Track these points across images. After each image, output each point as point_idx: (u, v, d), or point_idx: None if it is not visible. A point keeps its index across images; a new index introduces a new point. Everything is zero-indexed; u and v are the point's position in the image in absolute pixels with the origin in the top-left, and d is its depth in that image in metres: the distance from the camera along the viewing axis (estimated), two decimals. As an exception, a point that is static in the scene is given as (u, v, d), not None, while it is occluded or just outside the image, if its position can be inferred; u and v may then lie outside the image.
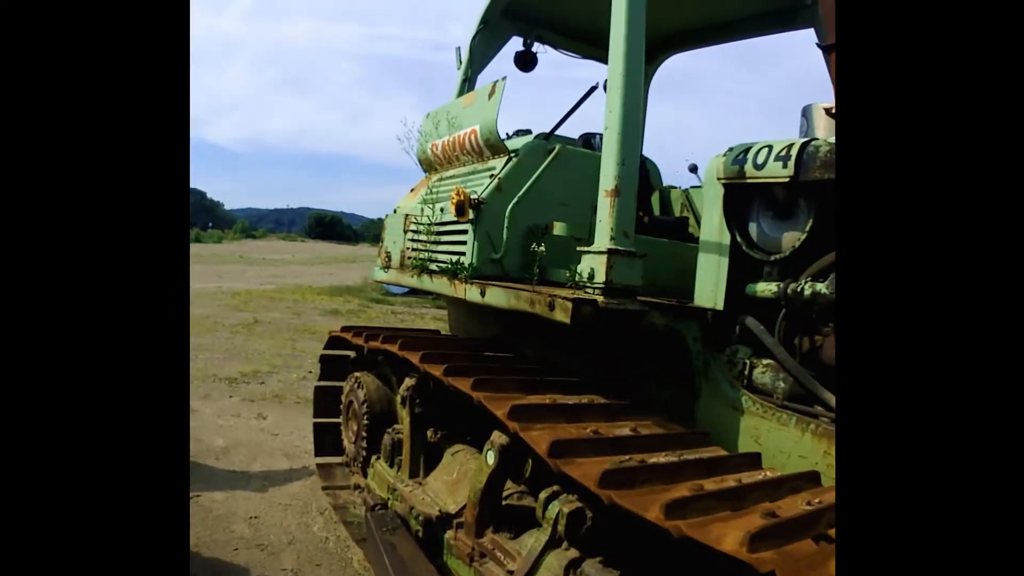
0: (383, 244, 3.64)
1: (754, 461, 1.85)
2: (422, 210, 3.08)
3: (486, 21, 3.55)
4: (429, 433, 2.79)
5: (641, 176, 2.46)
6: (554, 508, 1.83)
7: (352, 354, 3.68)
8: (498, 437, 2.02)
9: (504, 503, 2.18)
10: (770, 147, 2.13)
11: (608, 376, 2.42)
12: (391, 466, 2.97)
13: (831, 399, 1.93)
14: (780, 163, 2.06)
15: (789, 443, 1.99)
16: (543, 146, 2.72)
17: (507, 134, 3.32)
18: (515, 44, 3.76)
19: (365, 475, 3.30)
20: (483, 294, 2.42)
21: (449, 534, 2.30)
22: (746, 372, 2.16)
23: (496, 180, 2.61)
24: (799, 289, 2.02)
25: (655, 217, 3.45)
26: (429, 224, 3.00)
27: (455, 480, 2.51)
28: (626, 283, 1.99)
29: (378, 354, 3.19)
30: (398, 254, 3.41)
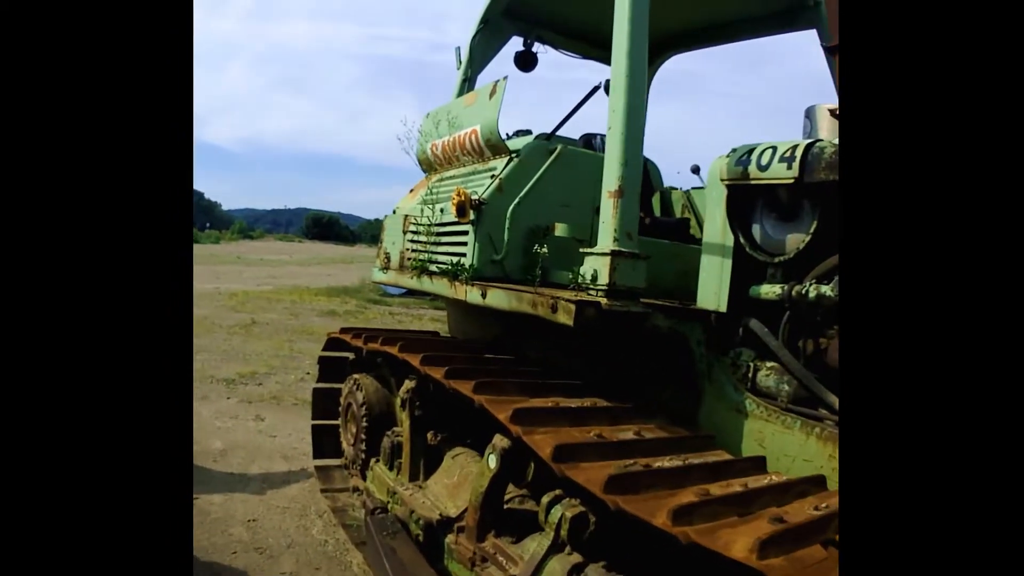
0: (382, 245, 3.62)
1: (759, 465, 1.83)
2: (422, 211, 3.05)
3: (486, 20, 3.53)
4: (429, 436, 2.77)
5: (642, 177, 2.44)
6: (557, 512, 1.81)
7: (351, 356, 3.65)
8: (500, 441, 1.99)
9: (505, 507, 2.16)
10: (774, 148, 2.11)
11: (610, 379, 2.39)
12: (391, 469, 2.94)
13: (836, 402, 1.92)
14: (784, 164, 2.05)
15: (794, 446, 1.97)
16: (544, 146, 2.71)
17: (507, 134, 3.30)
18: (515, 44, 3.74)
19: (364, 478, 3.28)
20: (484, 296, 2.40)
21: (450, 538, 2.28)
22: (750, 375, 2.14)
23: (497, 181, 2.59)
24: (804, 291, 2.00)
25: (656, 218, 3.44)
26: (429, 225, 2.98)
27: (456, 483, 2.48)
28: (630, 285, 1.97)
29: (377, 356, 3.17)
30: (397, 255, 3.38)
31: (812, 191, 2.03)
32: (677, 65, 4.04)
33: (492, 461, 2.01)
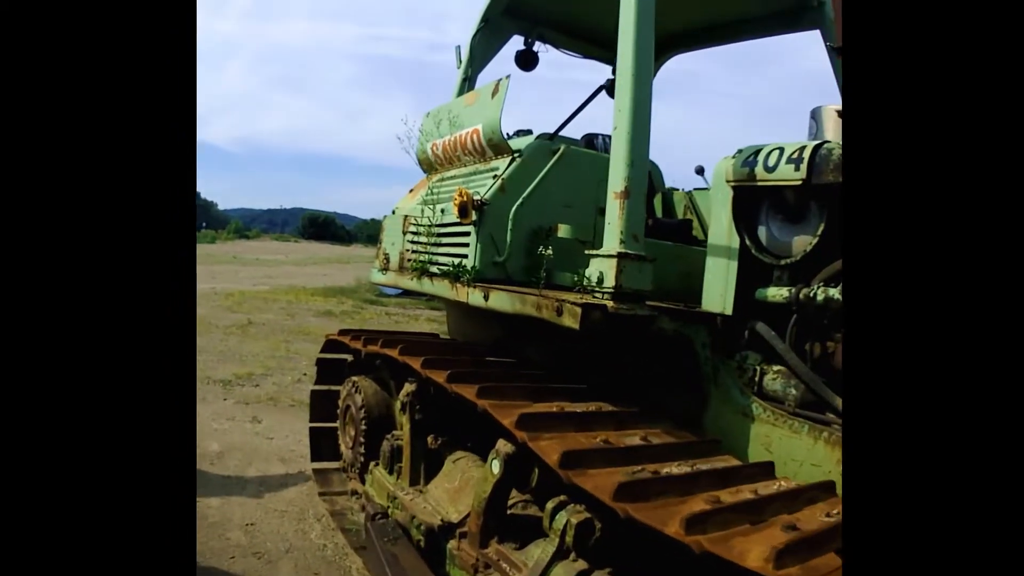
0: (381, 246, 3.58)
1: (767, 470, 1.81)
2: (422, 211, 3.02)
3: (487, 19, 3.50)
4: (429, 439, 2.74)
5: (647, 178, 2.41)
6: (562, 518, 1.78)
7: (349, 358, 3.62)
8: (503, 446, 1.96)
9: (508, 512, 2.13)
10: (781, 149, 2.09)
11: (614, 382, 2.36)
12: (390, 473, 2.91)
13: (844, 406, 1.89)
14: (792, 166, 2.02)
15: (801, 451, 1.95)
16: (547, 146, 2.67)
17: (507, 134, 3.27)
18: (515, 43, 3.72)
19: (363, 481, 3.25)
20: (486, 298, 2.37)
21: (452, 544, 2.25)
22: (756, 378, 2.11)
23: (500, 181, 2.56)
24: (811, 294, 1.98)
25: (658, 219, 3.41)
26: (430, 226, 2.94)
27: (457, 488, 2.45)
28: (636, 288, 1.94)
29: (376, 358, 3.13)
30: (397, 256, 3.35)
31: (820, 193, 2.00)
32: (673, 64, 4.02)
33: (495, 466, 1.98)
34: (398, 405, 2.88)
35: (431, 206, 2.97)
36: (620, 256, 1.92)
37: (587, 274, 2.01)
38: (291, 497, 3.69)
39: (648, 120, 2.01)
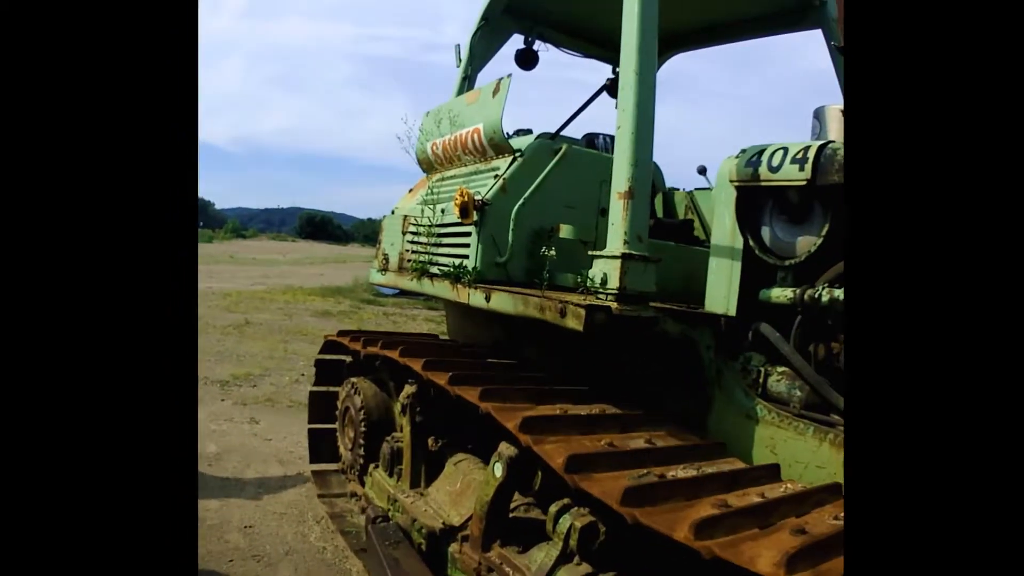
0: (380, 246, 3.56)
1: (773, 473, 1.79)
2: (422, 211, 3.00)
3: (487, 18, 3.48)
4: (430, 441, 2.72)
5: (650, 178, 2.39)
6: (565, 522, 1.76)
7: (348, 359, 3.59)
8: (506, 449, 1.94)
9: (511, 515, 2.11)
10: (785, 149, 2.07)
11: (617, 384, 2.35)
12: (390, 475, 2.89)
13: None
14: (796, 166, 2.01)
15: (806, 453, 1.93)
16: (549, 146, 2.65)
17: (507, 134, 3.24)
18: (515, 42, 3.69)
19: (362, 483, 3.22)
20: (488, 299, 2.35)
21: (454, 547, 2.23)
22: (760, 380, 2.10)
23: (501, 181, 2.53)
24: (816, 295, 1.96)
25: (659, 219, 3.39)
26: (430, 226, 2.92)
27: (458, 491, 2.43)
28: (640, 289, 1.92)
29: (375, 359, 3.11)
30: (396, 256, 3.33)
31: (824, 193, 1.99)
32: (668, 64, 4.00)
33: (498, 469, 1.96)
34: (398, 407, 2.85)
35: (431, 206, 2.95)
36: (624, 257, 1.90)
37: (591, 275, 1.99)
38: (290, 499, 3.66)
39: (652, 120, 1.99)
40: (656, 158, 3.69)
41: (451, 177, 3.03)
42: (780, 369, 2.07)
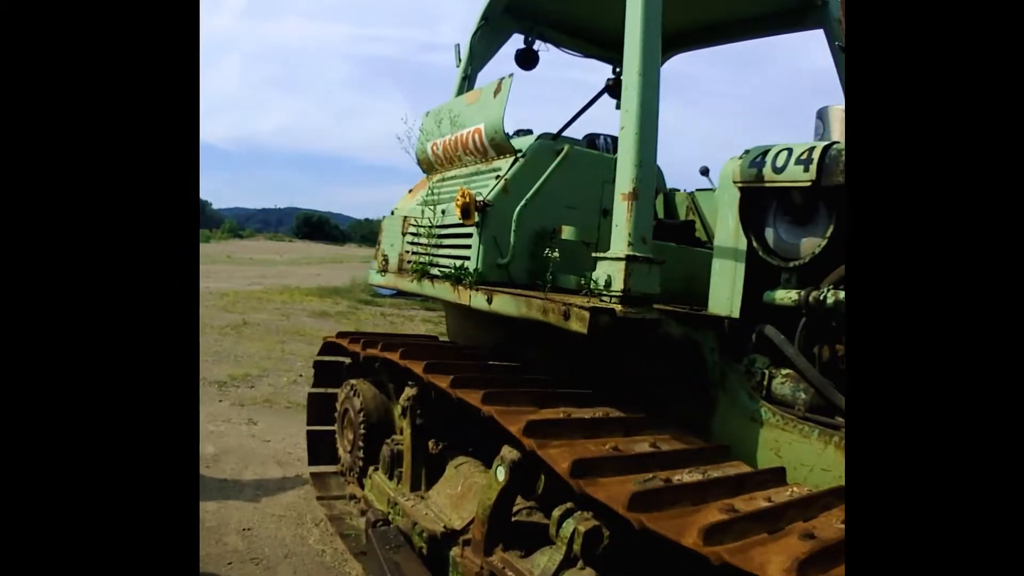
0: (380, 247, 3.54)
1: (779, 476, 1.78)
2: (422, 212, 2.98)
3: (487, 18, 3.46)
4: (430, 444, 2.70)
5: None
6: (569, 526, 1.75)
7: (347, 360, 3.57)
8: (509, 452, 1.93)
9: (513, 519, 2.09)
10: (790, 150, 2.06)
11: (620, 387, 2.33)
12: (390, 478, 2.86)
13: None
14: (801, 167, 1.99)
15: (811, 456, 1.92)
16: (551, 146, 2.63)
17: (507, 134, 3.22)
18: (515, 42, 3.68)
19: (361, 486, 3.20)
20: (490, 301, 2.33)
21: (455, 551, 2.20)
22: (765, 383, 2.09)
23: (503, 181, 2.52)
24: (821, 297, 1.95)
25: (661, 220, 3.38)
26: (430, 227, 2.90)
27: (460, 494, 2.41)
28: (644, 291, 1.91)
29: (375, 361, 3.09)
30: (396, 257, 3.31)
31: (829, 194, 1.98)
32: (667, 64, 3.98)
33: (501, 473, 1.94)
34: (398, 409, 2.83)
35: (431, 207, 2.92)
36: (628, 259, 1.88)
37: (594, 277, 1.97)
38: (288, 501, 3.64)
39: (656, 120, 1.98)
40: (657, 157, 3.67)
41: (452, 178, 3.01)
42: (784, 371, 2.06)
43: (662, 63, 3.81)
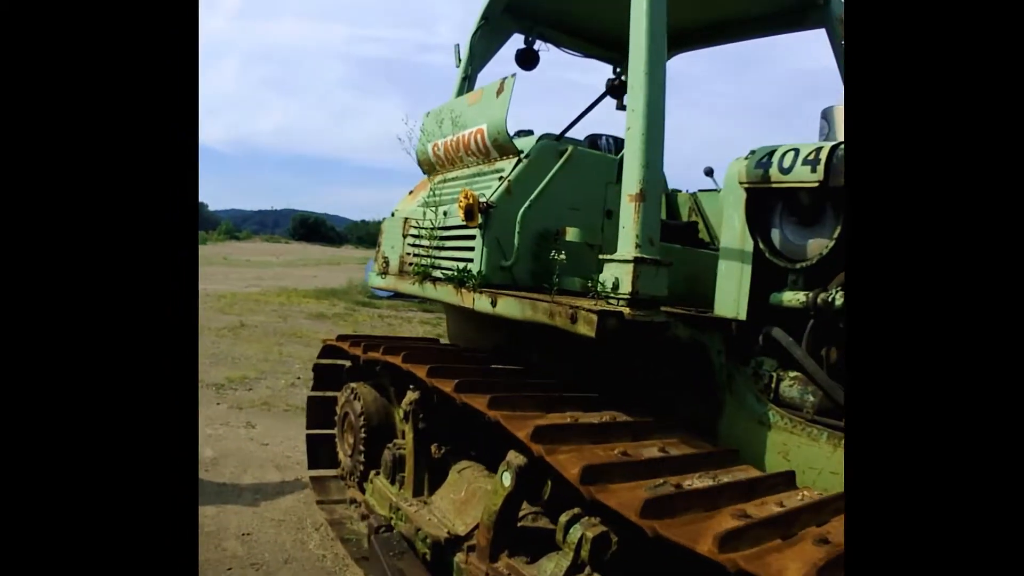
0: (380, 249, 3.51)
1: (789, 480, 1.76)
2: (424, 214, 2.95)
3: (487, 17, 3.44)
4: (433, 449, 2.67)
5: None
6: (576, 532, 1.72)
7: (347, 363, 3.54)
8: (515, 458, 1.90)
9: (518, 524, 2.06)
10: (796, 150, 2.04)
11: (626, 390, 2.31)
12: (392, 483, 2.83)
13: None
14: (808, 167, 1.97)
15: (820, 459, 1.90)
16: (554, 147, 2.61)
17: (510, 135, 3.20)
18: (515, 42, 3.66)
19: (362, 490, 3.17)
20: (494, 304, 2.30)
21: (460, 557, 2.18)
22: (772, 385, 2.07)
23: (506, 183, 2.49)
24: (829, 299, 1.93)
25: (663, 221, 3.35)
26: (432, 229, 2.87)
27: (463, 499, 2.38)
28: (652, 294, 1.89)
29: (376, 364, 3.06)
30: (397, 260, 3.28)
31: (837, 195, 1.96)
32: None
33: (507, 479, 1.92)
34: (400, 413, 2.81)
35: (433, 208, 2.90)
36: (636, 261, 1.86)
37: (601, 279, 1.95)
38: (288, 505, 3.61)
39: (662, 121, 1.96)
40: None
41: (453, 179, 2.99)
42: (792, 374, 2.04)
43: (664, 63, 3.80)
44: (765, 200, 2.15)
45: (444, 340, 3.92)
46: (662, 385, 2.29)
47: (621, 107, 3.39)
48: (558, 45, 3.74)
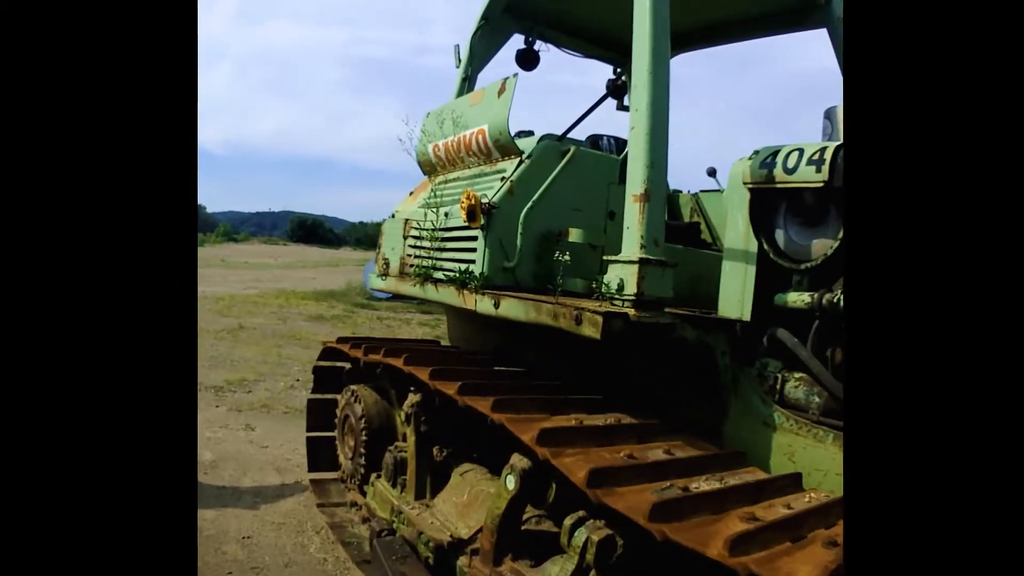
0: (380, 251, 3.49)
1: (796, 482, 1.75)
2: (425, 215, 2.93)
3: (487, 18, 3.42)
4: (435, 451, 2.65)
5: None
6: (581, 535, 1.70)
7: (347, 366, 3.52)
8: (519, 461, 1.88)
9: (522, 528, 2.05)
10: (801, 150, 2.03)
11: (629, 392, 2.29)
12: (394, 486, 2.81)
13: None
14: (813, 167, 1.96)
15: (826, 461, 1.89)
16: (557, 147, 2.59)
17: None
18: (515, 43, 3.64)
19: (363, 493, 3.16)
20: (497, 306, 2.29)
21: (463, 561, 2.16)
22: (778, 387, 2.05)
23: (508, 183, 2.47)
24: (834, 299, 1.92)
25: (665, 222, 3.34)
26: (433, 230, 2.85)
27: (466, 503, 2.37)
28: (657, 295, 1.87)
29: (376, 366, 3.04)
30: (397, 261, 3.26)
31: (842, 195, 1.95)
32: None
33: (511, 482, 1.90)
34: (401, 416, 2.79)
35: (434, 209, 2.88)
36: (642, 262, 1.85)
37: (605, 280, 1.93)
38: (288, 508, 3.59)
39: (666, 120, 1.94)
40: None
41: (455, 180, 2.97)
42: (798, 375, 2.03)
43: (665, 63, 3.79)
44: (769, 200, 2.14)
45: (444, 342, 3.90)
46: (660, 385, 2.28)
47: (622, 107, 3.39)
48: (558, 45, 3.72)
